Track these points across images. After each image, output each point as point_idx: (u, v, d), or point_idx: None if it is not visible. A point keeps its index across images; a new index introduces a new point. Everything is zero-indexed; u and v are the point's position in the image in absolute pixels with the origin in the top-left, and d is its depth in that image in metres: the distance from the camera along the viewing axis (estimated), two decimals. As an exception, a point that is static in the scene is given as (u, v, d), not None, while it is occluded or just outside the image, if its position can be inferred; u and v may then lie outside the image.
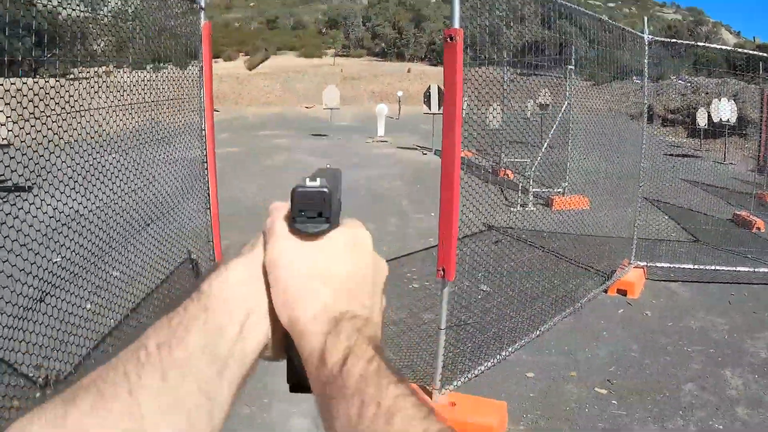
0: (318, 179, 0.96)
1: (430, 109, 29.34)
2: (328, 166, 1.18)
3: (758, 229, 16.52)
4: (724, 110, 26.82)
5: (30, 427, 0.76)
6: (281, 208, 1.00)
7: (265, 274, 0.94)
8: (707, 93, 35.73)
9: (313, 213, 0.95)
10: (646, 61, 11.96)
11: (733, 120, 26.81)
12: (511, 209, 16.23)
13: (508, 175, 20.48)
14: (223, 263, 0.96)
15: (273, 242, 0.95)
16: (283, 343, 0.96)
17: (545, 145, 17.23)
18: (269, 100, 61.63)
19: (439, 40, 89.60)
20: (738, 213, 17.68)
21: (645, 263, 12.20)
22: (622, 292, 11.35)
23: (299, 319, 0.91)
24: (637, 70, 13.01)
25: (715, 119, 27.58)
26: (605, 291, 11.37)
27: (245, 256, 0.96)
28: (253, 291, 0.93)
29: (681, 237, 15.53)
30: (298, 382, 0.97)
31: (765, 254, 13.83)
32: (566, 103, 16.68)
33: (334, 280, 0.95)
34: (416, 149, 30.55)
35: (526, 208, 16.96)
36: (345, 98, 47.07)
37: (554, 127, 16.92)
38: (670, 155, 27.04)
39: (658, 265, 12.46)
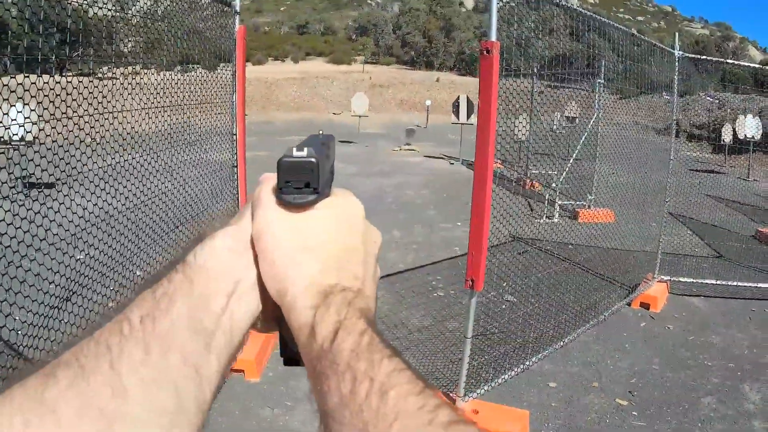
0: (305, 149, 0.94)
1: (458, 119, 29.39)
2: (321, 132, 1.16)
3: (782, 246, 16.50)
4: (750, 126, 26.78)
5: (10, 402, 0.73)
6: (270, 178, 0.98)
7: (254, 245, 0.93)
8: (733, 109, 35.61)
9: (300, 183, 0.93)
10: (676, 77, 11.94)
11: (758, 136, 26.75)
12: (538, 221, 16.23)
13: (534, 186, 20.47)
14: (209, 233, 0.94)
15: (260, 213, 0.94)
16: (275, 315, 0.94)
17: (573, 157, 17.16)
18: (297, 106, 61.72)
19: (468, 50, 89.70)
20: (761, 230, 17.63)
21: (668, 277, 12.22)
22: (645, 306, 11.38)
23: (287, 291, 0.89)
24: (665, 86, 12.95)
25: (740, 135, 27.53)
26: (628, 304, 11.39)
27: (233, 225, 0.95)
28: (240, 261, 0.91)
29: (704, 252, 15.54)
30: (292, 356, 0.95)
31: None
32: (595, 116, 16.64)
33: (322, 252, 0.93)
34: (443, 159, 30.57)
35: (552, 220, 16.92)
36: (373, 106, 47.12)
37: (582, 140, 16.83)
38: (694, 170, 27.00)
39: (681, 279, 12.46)
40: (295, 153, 0.94)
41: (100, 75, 6.76)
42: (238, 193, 8.97)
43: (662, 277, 12.11)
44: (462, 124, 28.72)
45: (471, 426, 0.73)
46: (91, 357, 0.77)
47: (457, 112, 29.53)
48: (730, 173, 29.26)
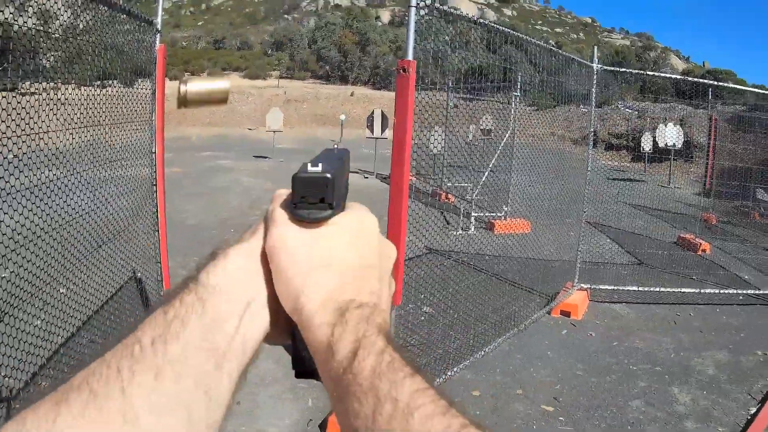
0: (320, 164, 0.93)
1: (372, 133, 29.40)
2: (336, 146, 1.15)
3: (704, 251, 16.97)
4: (670, 135, 27.12)
5: (21, 429, 0.72)
6: (283, 194, 0.98)
7: (266, 262, 0.91)
8: (653, 118, 36.14)
9: (315, 199, 0.92)
10: (594, 89, 12.12)
11: (679, 144, 27.17)
12: (453, 233, 16.29)
13: (449, 199, 20.57)
14: (221, 251, 0.92)
15: (273, 229, 0.92)
16: (287, 327, 0.93)
17: (488, 169, 17.29)
18: (213, 121, 61.35)
19: (383, 65, 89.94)
20: (683, 236, 18.12)
21: (588, 285, 12.42)
22: (566, 314, 11.54)
23: (304, 308, 0.87)
24: (583, 97, 13.12)
25: (661, 144, 27.88)
26: (549, 312, 11.54)
27: (244, 243, 0.94)
28: (252, 280, 0.90)
29: (625, 260, 15.86)
30: (304, 369, 0.93)
31: (711, 275, 14.17)
32: (510, 128, 16.79)
33: (338, 267, 0.92)
34: (358, 173, 30.61)
35: (468, 232, 17.02)
36: (288, 120, 47.06)
37: (498, 152, 16.96)
38: (614, 179, 27.30)
39: (602, 287, 12.67)
40: (310, 168, 0.93)
41: (21, 90, 6.68)
42: (157, 211, 8.90)
43: (582, 285, 12.31)
44: (376, 138, 28.73)
45: None
46: (102, 381, 0.76)
47: (371, 127, 29.53)
48: (650, 181, 29.70)
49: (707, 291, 12.85)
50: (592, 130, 12.78)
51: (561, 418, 7.84)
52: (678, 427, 7.75)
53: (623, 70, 14.02)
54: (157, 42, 8.61)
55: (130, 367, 0.77)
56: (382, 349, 0.81)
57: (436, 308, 10.64)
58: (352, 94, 75.90)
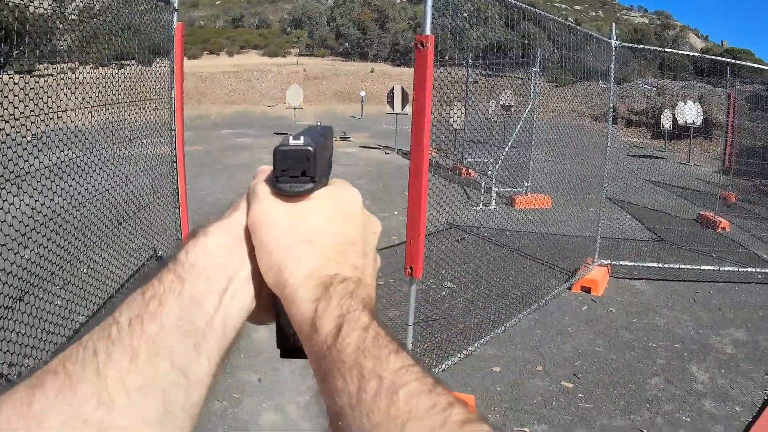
0: (302, 137, 0.91)
1: (393, 109, 29.39)
2: (319, 123, 1.13)
3: (723, 229, 16.79)
4: (690, 113, 26.99)
5: None
6: (266, 170, 0.96)
7: (248, 237, 0.90)
8: (672, 96, 35.87)
9: (296, 172, 0.90)
10: (612, 65, 12.03)
11: (699, 122, 26.99)
12: (474, 208, 16.29)
13: (470, 174, 20.51)
14: (201, 229, 0.91)
15: (256, 203, 0.91)
16: (271, 307, 0.92)
17: (508, 145, 17.28)
18: (233, 99, 61.32)
19: (403, 41, 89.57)
20: (703, 213, 17.97)
21: (609, 261, 12.38)
22: (587, 290, 11.46)
23: (287, 283, 0.86)
24: (602, 73, 13.04)
25: (680, 121, 27.75)
26: (569, 288, 11.47)
27: (225, 219, 0.93)
28: (234, 257, 0.88)
29: (645, 236, 15.77)
30: (289, 347, 0.94)
31: (730, 253, 14.07)
32: (530, 104, 16.71)
33: (321, 241, 0.90)
34: (379, 149, 30.56)
35: (489, 207, 17.06)
36: (308, 97, 47.03)
37: (518, 127, 16.88)
38: (633, 156, 27.14)
39: (622, 263, 12.65)
40: (292, 141, 0.91)
41: (38, 72, 6.67)
42: (177, 188, 8.91)
43: (602, 261, 12.25)
44: (397, 114, 28.71)
45: (485, 425, 0.70)
46: (78, 364, 0.74)
47: (392, 103, 29.54)
48: (670, 158, 29.57)
49: (726, 269, 12.70)
50: (611, 106, 12.65)
51: (581, 395, 7.83)
52: (696, 406, 7.71)
53: (641, 47, 13.81)
54: (175, 20, 8.59)
55: (106, 348, 0.76)
56: (366, 325, 0.80)
57: (458, 283, 10.66)
58: (372, 71, 75.53)
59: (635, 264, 12.69)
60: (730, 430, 7.28)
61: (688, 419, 7.42)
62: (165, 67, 8.80)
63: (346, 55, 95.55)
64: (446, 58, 7.81)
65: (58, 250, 6.31)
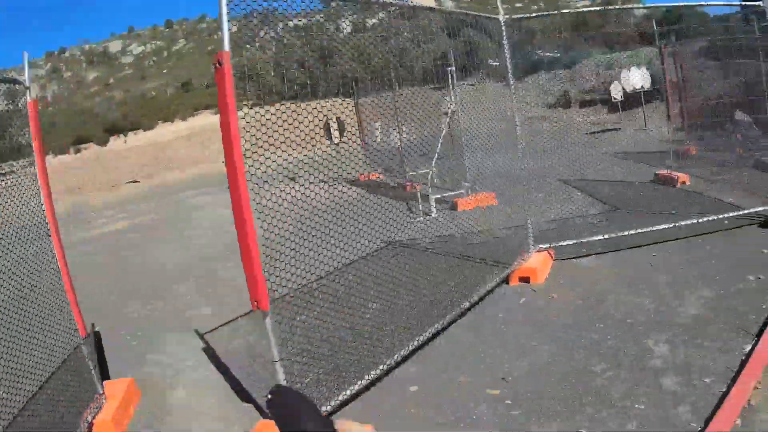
0: None
1: (331, 140, 28.97)
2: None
3: (683, 183, 16.13)
4: (635, 78, 26.68)
5: None
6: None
7: None
8: (621, 67, 35.60)
9: None
10: (505, 42, 11.14)
11: (648, 85, 26.66)
12: (416, 220, 15.54)
13: (415, 188, 19.81)
14: None
15: None
16: None
17: (437, 151, 17.04)
18: (190, 162, 61.36)
19: (350, 73, 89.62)
20: (659, 172, 17.34)
21: (547, 245, 11.50)
22: (525, 280, 10.62)
23: None
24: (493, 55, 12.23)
25: (628, 89, 27.45)
26: (506, 282, 10.67)
27: None
28: None
29: (599, 209, 14.92)
30: None
31: (693, 205, 13.31)
32: (452, 105, 16.20)
33: None
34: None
35: (431, 216, 16.34)
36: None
37: (443, 132, 16.34)
38: (591, 133, 26.82)
39: (564, 243, 11.75)
40: None
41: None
42: (57, 261, 8.07)
43: (540, 246, 11.36)
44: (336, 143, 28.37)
45: None
46: None
47: (329, 134, 29.16)
48: (627, 128, 29.18)
49: (685, 223, 11.71)
50: (512, 84, 11.59)
51: (508, 402, 6.93)
52: (653, 386, 6.72)
53: (528, 16, 12.75)
54: (28, 98, 7.94)
55: None
56: None
57: (384, 301, 9.75)
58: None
59: (582, 240, 11.78)
60: (699, 409, 6.17)
61: (642, 406, 6.40)
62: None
63: (295, 97, 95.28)
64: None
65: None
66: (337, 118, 28.88)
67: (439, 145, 16.77)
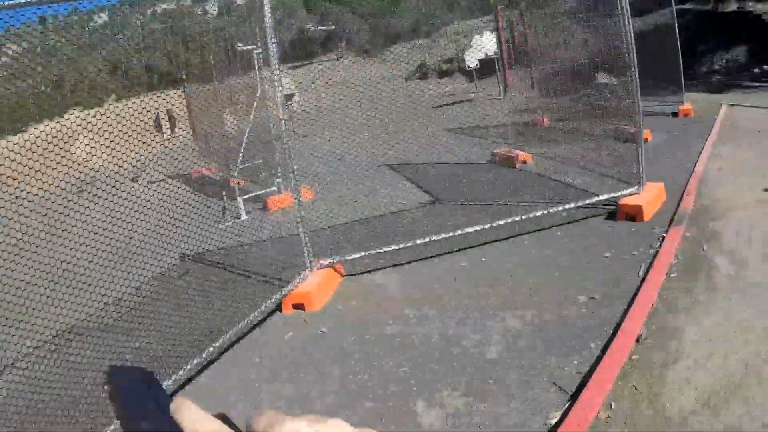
0: None
1: (162, 134, 27.44)
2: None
3: (524, 162, 14.32)
4: (489, 44, 25.26)
5: None
6: None
7: None
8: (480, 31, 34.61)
9: None
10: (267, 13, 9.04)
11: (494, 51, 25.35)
12: (222, 226, 13.43)
13: (239, 184, 17.75)
14: None
15: None
16: None
17: (242, 146, 15.59)
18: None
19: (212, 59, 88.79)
20: (497, 151, 15.53)
21: (331, 260, 9.49)
22: (300, 306, 8.63)
23: None
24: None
25: (482, 56, 26.06)
26: (279, 310, 8.70)
27: None
28: None
29: (418, 201, 12.83)
30: None
31: (526, 193, 11.44)
32: (259, 89, 14.71)
33: None
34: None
35: (240, 220, 14.19)
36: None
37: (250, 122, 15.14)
38: (438, 107, 25.12)
39: (348, 257, 9.64)
40: None
41: None
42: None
43: (322, 262, 9.33)
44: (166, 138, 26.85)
45: None
46: None
47: (159, 128, 27.54)
48: (482, 98, 27.60)
49: (506, 222, 9.81)
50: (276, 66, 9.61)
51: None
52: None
53: None
54: None
55: None
56: None
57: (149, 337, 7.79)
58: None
59: (368, 253, 9.67)
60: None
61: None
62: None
63: (155, 87, 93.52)
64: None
65: None
66: (168, 111, 27.18)
67: (246, 135, 15.10)
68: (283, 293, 8.66)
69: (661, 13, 20.97)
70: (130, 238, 7.61)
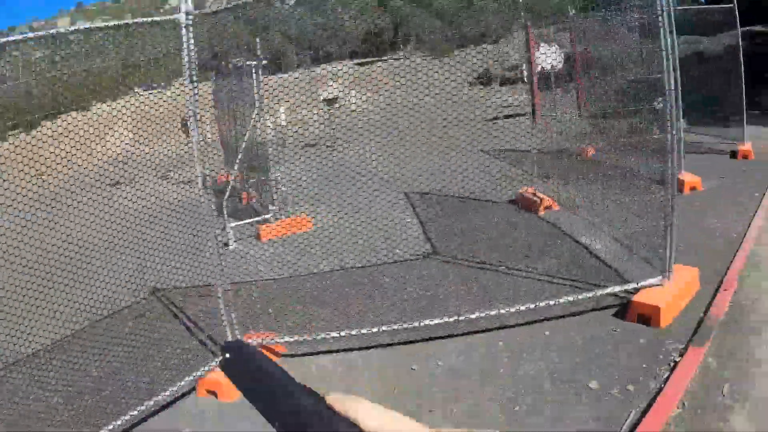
0: None
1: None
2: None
3: (548, 209, 12.64)
4: (551, 56, 23.95)
5: None
6: None
7: None
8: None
9: None
10: (187, 45, 7.49)
11: (559, 66, 23.98)
12: (207, 255, 12.18)
13: (251, 198, 16.49)
14: None
15: None
16: None
17: (238, 159, 14.07)
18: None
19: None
20: (520, 191, 13.82)
21: (262, 339, 8.00)
22: (214, 393, 7.28)
23: None
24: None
25: (545, 68, 24.74)
26: (194, 391, 7.36)
27: None
28: None
29: (419, 250, 11.28)
30: None
31: (544, 254, 9.83)
32: (257, 107, 13.54)
33: None
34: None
35: (229, 248, 12.94)
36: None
37: (246, 138, 13.91)
38: (494, 119, 23.54)
39: (295, 339, 8.09)
40: None
41: None
42: None
43: (251, 339, 7.80)
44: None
45: None
46: None
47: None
48: (539, 113, 26.13)
49: (505, 311, 7.88)
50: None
51: None
52: None
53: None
54: None
55: None
56: None
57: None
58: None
59: (323, 336, 8.04)
60: None
61: None
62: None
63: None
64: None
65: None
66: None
67: (239, 155, 13.86)
68: (197, 375, 7.38)
69: (729, 34, 18.77)
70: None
